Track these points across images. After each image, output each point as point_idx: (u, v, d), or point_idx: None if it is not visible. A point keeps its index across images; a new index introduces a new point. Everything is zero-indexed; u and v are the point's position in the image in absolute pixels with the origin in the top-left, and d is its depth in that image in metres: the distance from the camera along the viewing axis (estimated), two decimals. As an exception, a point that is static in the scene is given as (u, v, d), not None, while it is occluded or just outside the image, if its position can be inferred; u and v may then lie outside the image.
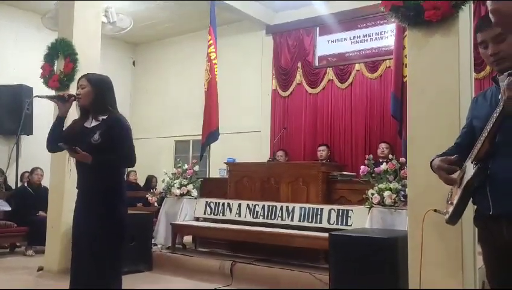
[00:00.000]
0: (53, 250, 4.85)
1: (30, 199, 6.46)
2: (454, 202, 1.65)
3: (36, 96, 2.92)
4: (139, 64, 10.46)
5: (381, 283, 3.22)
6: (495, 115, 1.54)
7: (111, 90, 2.72)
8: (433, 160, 1.83)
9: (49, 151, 2.80)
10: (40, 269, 4.94)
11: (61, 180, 4.73)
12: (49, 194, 5.13)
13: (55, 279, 4.49)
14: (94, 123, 2.62)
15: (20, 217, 6.23)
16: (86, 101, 2.63)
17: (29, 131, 7.55)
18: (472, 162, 1.62)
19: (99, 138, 2.53)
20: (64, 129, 2.72)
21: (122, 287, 2.65)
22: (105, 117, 2.61)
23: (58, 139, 2.61)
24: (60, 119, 2.70)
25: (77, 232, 2.63)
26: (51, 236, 4.94)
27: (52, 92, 4.80)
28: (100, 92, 2.65)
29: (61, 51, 5.03)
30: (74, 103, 2.71)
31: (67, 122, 2.77)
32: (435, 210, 1.80)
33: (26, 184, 6.81)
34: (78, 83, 2.73)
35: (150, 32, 9.46)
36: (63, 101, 2.68)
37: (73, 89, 2.81)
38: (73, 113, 2.79)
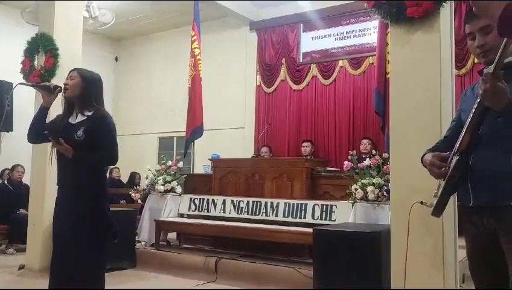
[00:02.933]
0: (34, 248, 4.78)
1: (11, 196, 6.36)
2: (438, 194, 1.67)
3: (21, 83, 2.86)
4: (121, 60, 10.33)
5: (365, 276, 3.26)
6: (474, 108, 1.57)
7: (100, 87, 2.68)
8: (424, 155, 1.82)
9: (30, 142, 2.74)
10: (21, 267, 4.87)
11: (43, 177, 4.66)
12: (30, 191, 5.06)
13: (37, 277, 4.43)
14: (79, 119, 2.57)
15: (0, 214, 6.12)
16: (73, 93, 2.58)
17: (9, 128, 7.39)
18: (455, 155, 1.64)
19: (83, 135, 2.49)
20: (47, 122, 2.67)
21: (106, 285, 2.62)
22: (90, 114, 2.56)
23: (40, 130, 2.57)
24: (43, 110, 2.65)
25: (58, 231, 2.57)
26: (32, 234, 4.87)
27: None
28: (89, 85, 2.61)
29: (42, 46, 4.95)
30: (60, 97, 2.66)
31: (50, 117, 2.71)
32: (421, 202, 1.83)
33: (6, 181, 6.70)
34: (68, 74, 2.67)
35: (132, 28, 9.35)
36: (48, 92, 2.64)
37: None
38: (57, 108, 2.74)
